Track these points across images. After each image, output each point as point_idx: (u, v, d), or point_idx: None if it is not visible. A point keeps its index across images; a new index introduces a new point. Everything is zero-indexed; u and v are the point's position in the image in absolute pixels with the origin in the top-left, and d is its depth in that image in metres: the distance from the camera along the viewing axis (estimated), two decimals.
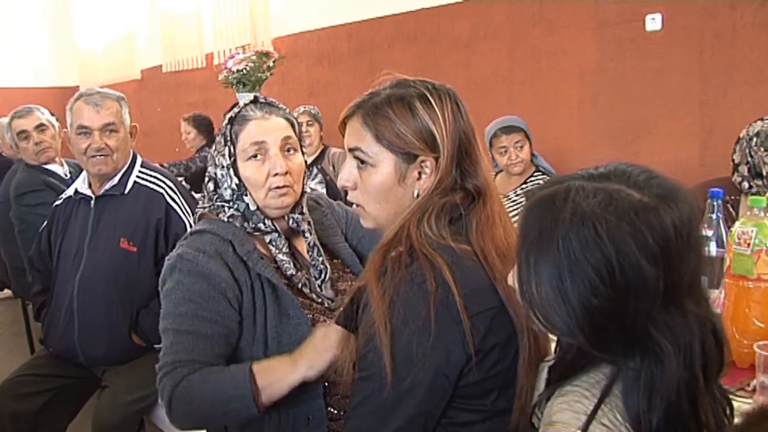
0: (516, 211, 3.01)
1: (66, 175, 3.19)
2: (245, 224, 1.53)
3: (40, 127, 3.13)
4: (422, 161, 1.19)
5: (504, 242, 1.18)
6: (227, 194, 1.53)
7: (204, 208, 1.58)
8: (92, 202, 2.30)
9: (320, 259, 1.61)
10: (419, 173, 1.20)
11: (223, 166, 1.53)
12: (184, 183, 2.53)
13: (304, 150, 1.62)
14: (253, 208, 1.53)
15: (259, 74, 3.00)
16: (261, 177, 1.49)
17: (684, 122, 3.44)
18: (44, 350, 2.42)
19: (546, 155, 3.42)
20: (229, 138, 1.52)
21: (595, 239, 0.88)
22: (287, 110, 1.59)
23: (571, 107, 3.93)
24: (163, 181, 2.35)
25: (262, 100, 1.57)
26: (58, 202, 2.45)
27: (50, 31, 10.45)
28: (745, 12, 3.15)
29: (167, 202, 2.29)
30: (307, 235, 1.61)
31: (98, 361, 2.27)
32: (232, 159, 1.51)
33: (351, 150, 1.23)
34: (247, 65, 2.95)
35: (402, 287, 1.08)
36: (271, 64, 3.04)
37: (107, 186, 2.29)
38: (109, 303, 2.23)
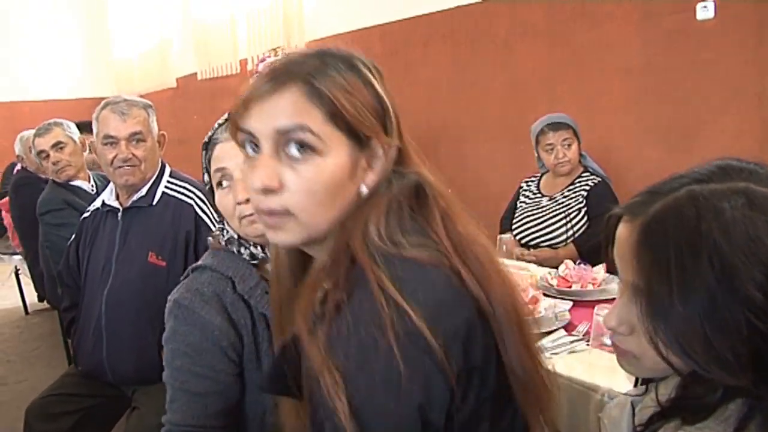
0: (563, 213, 2.85)
1: (92, 190, 3.13)
2: (241, 251, 1.41)
3: (58, 146, 3.07)
4: (374, 147, 0.92)
5: (466, 235, 0.93)
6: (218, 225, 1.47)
7: (214, 234, 1.48)
8: (120, 214, 2.21)
9: None
10: (368, 163, 0.92)
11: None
12: None
13: None
14: (235, 236, 1.41)
15: None
16: (230, 206, 1.36)
17: (740, 117, 3.24)
18: (74, 368, 2.34)
19: (592, 155, 3.26)
20: (204, 167, 1.41)
21: (750, 246, 0.74)
22: None
23: (617, 105, 3.75)
24: (193, 192, 2.25)
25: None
26: (85, 215, 2.37)
27: (86, 43, 10.59)
28: None
29: (197, 213, 2.20)
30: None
31: (127, 380, 2.18)
32: (208, 186, 1.42)
33: (285, 131, 0.87)
34: None
35: (346, 331, 0.81)
36: None
37: (135, 197, 2.21)
38: (137, 319, 2.13)
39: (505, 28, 4.25)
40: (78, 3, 10.46)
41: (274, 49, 3.01)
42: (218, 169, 1.35)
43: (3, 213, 4.60)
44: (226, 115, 1.33)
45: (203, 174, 1.41)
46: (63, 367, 3.84)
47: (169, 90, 8.31)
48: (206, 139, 1.39)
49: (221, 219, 1.42)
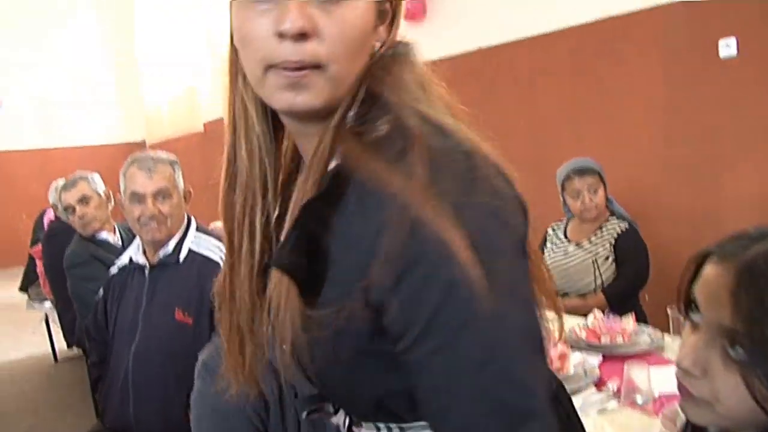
0: (590, 261, 2.80)
1: (118, 243, 3.16)
2: None
3: (84, 201, 3.11)
4: None
5: None
6: None
7: None
8: (147, 271, 2.22)
9: None
10: (381, 18, 0.80)
11: None
12: None
13: None
14: None
15: None
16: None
17: None
18: (99, 425, 2.32)
19: (618, 195, 3.21)
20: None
21: None
22: None
23: (641, 143, 3.71)
24: (219, 247, 2.25)
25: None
26: (113, 271, 2.38)
27: (117, 89, 10.82)
28: None
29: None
30: None
31: None
32: None
33: None
34: None
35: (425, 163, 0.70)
36: None
37: (161, 255, 2.21)
38: (164, 378, 2.11)
39: (527, 67, 4.26)
40: (109, 51, 10.73)
41: None
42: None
43: (36, 260, 4.66)
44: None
45: None
46: (91, 418, 3.82)
47: (198, 134, 8.44)
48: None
49: None
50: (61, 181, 3.40)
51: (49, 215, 4.82)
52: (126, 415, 2.14)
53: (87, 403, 4.05)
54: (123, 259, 2.34)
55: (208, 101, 8.41)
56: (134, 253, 2.28)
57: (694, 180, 3.46)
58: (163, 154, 2.26)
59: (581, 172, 2.83)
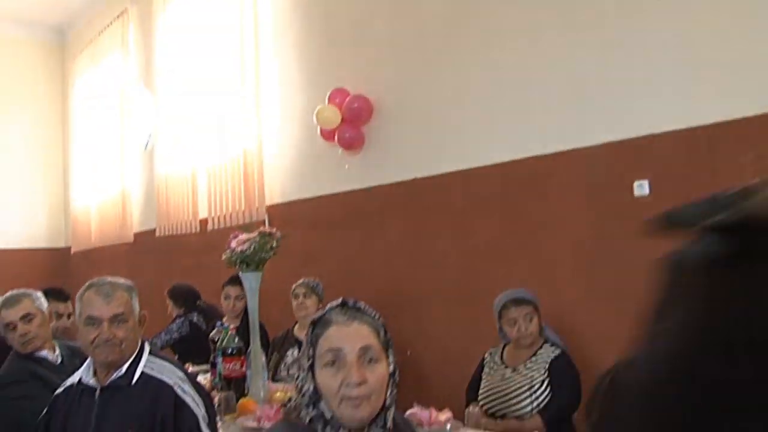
0: (527, 385, 2.94)
1: (57, 361, 3.11)
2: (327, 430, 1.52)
3: (27, 318, 3.06)
4: None
5: None
6: (305, 399, 1.53)
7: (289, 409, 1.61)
8: (96, 393, 2.22)
9: None
10: None
11: (303, 368, 1.55)
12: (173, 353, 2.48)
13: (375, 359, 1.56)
14: (328, 416, 1.50)
15: (263, 254, 3.03)
16: (335, 385, 1.48)
17: None
18: None
19: (548, 323, 3.38)
20: (309, 341, 1.54)
21: None
22: (377, 316, 1.60)
23: (567, 277, 3.93)
24: (173, 372, 2.29)
25: (350, 304, 1.59)
26: (59, 391, 2.36)
27: (45, 190, 10.45)
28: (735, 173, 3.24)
29: (176, 395, 2.22)
30: None
31: None
32: (310, 362, 1.53)
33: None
34: (251, 245, 2.99)
35: None
36: (275, 243, 3.09)
37: (114, 376, 2.23)
38: None
39: (459, 199, 4.49)
40: (37, 149, 10.43)
41: (245, 225, 3.15)
42: (331, 349, 1.50)
43: None
44: (340, 299, 1.59)
45: (307, 347, 1.56)
46: None
47: (126, 244, 8.34)
48: (317, 318, 1.56)
49: (314, 397, 1.52)
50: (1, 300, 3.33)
51: None
52: None
53: None
54: (72, 379, 2.34)
55: (140, 210, 8.37)
56: (84, 374, 2.28)
57: (616, 306, 3.69)
58: (120, 280, 2.34)
59: (517, 302, 3.04)
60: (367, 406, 1.48)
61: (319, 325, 1.56)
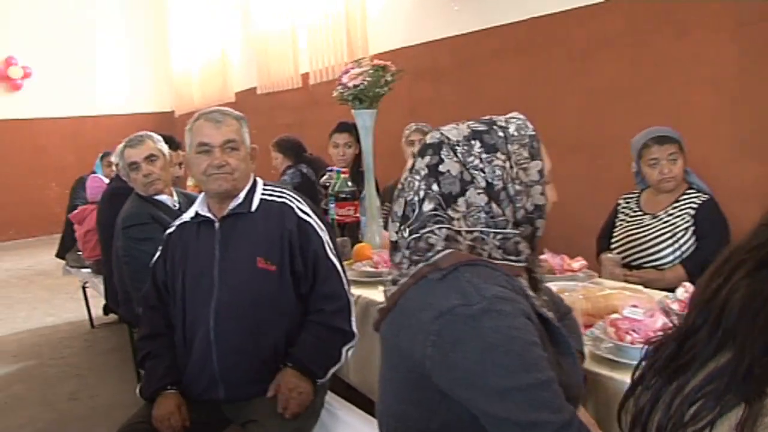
0: (669, 233, 2.68)
1: (175, 206, 3.07)
2: (510, 256, 1.31)
3: (150, 158, 3.01)
4: None
5: None
6: (519, 214, 1.31)
7: (455, 226, 1.29)
8: (216, 224, 2.13)
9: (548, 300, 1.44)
10: None
11: (523, 183, 1.32)
12: None
13: None
14: (540, 234, 1.35)
15: (377, 89, 2.81)
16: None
17: None
18: (145, 408, 2.10)
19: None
20: (537, 154, 1.34)
21: None
22: None
23: (704, 118, 3.57)
24: (290, 195, 2.18)
25: None
26: (170, 230, 2.26)
27: (147, 57, 10.78)
28: None
29: (298, 216, 2.12)
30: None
31: (243, 393, 2.06)
32: (542, 177, 1.34)
33: None
34: (364, 80, 2.77)
35: None
36: (390, 78, 2.85)
37: (232, 205, 2.12)
38: (252, 327, 2.05)
39: (583, 38, 4.11)
40: (138, 18, 10.64)
41: (357, 61, 2.92)
42: None
43: (75, 226, 4.61)
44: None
45: (534, 160, 1.34)
46: (133, 382, 3.81)
47: (228, 105, 8.34)
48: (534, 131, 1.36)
49: (537, 212, 1.34)
50: (124, 141, 3.31)
51: (93, 182, 4.75)
52: (211, 377, 2.05)
53: (128, 367, 4.04)
54: (184, 216, 2.24)
55: (240, 70, 8.30)
56: (200, 208, 2.17)
57: (762, 157, 3.33)
58: (230, 110, 2.19)
59: (661, 140, 2.72)
60: None
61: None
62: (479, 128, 1.32)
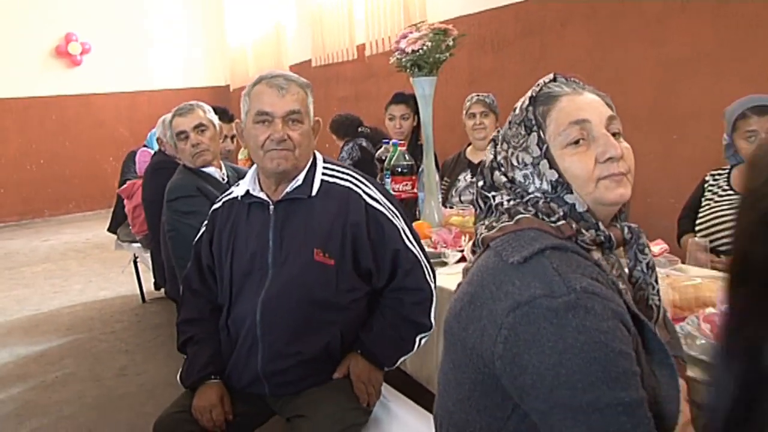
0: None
1: (223, 179, 2.92)
2: (580, 235, 1.11)
3: (200, 128, 2.85)
4: None
5: None
6: (538, 196, 1.13)
7: (518, 211, 1.14)
8: (270, 208, 1.91)
9: (656, 286, 1.21)
10: None
11: (526, 164, 1.15)
12: None
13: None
14: (581, 209, 1.12)
15: (438, 55, 2.58)
16: (589, 166, 1.11)
17: None
18: (186, 396, 1.96)
19: None
20: (534, 122, 1.14)
21: None
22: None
23: None
24: (356, 177, 1.93)
25: (562, 78, 1.20)
26: (216, 206, 2.06)
27: (202, 31, 10.77)
28: None
29: (366, 203, 1.87)
30: (646, 252, 1.21)
31: (287, 390, 1.89)
32: (544, 147, 1.13)
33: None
34: (423, 45, 2.55)
35: None
36: (451, 43, 2.62)
37: (289, 188, 1.89)
38: (302, 324, 1.84)
39: (659, 1, 3.79)
40: None
41: (415, 25, 2.69)
42: (576, 122, 1.12)
43: (125, 200, 4.55)
44: (552, 75, 1.20)
45: (530, 134, 1.15)
46: (181, 359, 3.70)
47: None
48: (532, 94, 1.17)
49: (557, 189, 1.12)
50: (168, 116, 3.18)
51: (142, 156, 4.67)
52: (254, 372, 1.88)
53: (176, 344, 3.96)
54: (235, 192, 2.01)
55: (295, 42, 8.15)
56: (251, 186, 1.94)
57: None
58: (295, 75, 1.95)
59: (761, 110, 2.41)
60: (628, 183, 1.13)
61: (541, 100, 1.15)
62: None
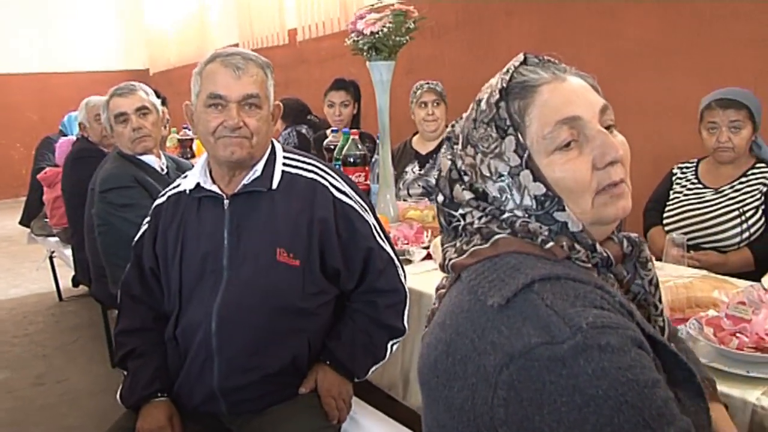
0: (736, 212, 2.35)
1: (162, 170, 2.66)
2: (574, 252, 0.91)
3: (142, 110, 2.59)
4: None
5: None
6: (519, 214, 0.92)
7: (497, 227, 0.92)
8: (225, 202, 1.70)
9: (660, 306, 1.02)
10: None
11: (502, 174, 0.92)
12: None
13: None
14: (575, 228, 0.91)
15: (398, 38, 2.42)
16: (584, 175, 0.90)
17: None
18: (127, 416, 1.72)
19: None
20: (508, 122, 0.92)
21: None
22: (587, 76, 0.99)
23: (745, 82, 3.24)
24: (320, 167, 1.74)
25: (534, 60, 0.97)
26: (160, 201, 1.82)
27: (118, 11, 10.26)
28: None
29: (334, 196, 1.70)
30: (649, 267, 1.01)
31: (251, 408, 1.68)
32: (525, 155, 0.91)
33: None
34: (383, 26, 2.37)
35: None
36: (412, 25, 2.46)
37: (246, 180, 1.68)
38: (262, 333, 1.64)
39: None
40: None
41: (373, 5, 2.51)
42: (565, 120, 0.90)
43: (45, 189, 4.18)
44: (521, 56, 0.97)
45: (504, 137, 0.92)
46: (105, 364, 3.44)
47: None
48: (503, 84, 0.93)
49: (546, 204, 0.91)
50: (94, 98, 2.87)
51: (64, 144, 4.31)
52: (207, 391, 1.66)
53: (99, 347, 3.68)
54: (182, 185, 1.78)
55: (220, 25, 7.84)
56: (201, 178, 1.72)
57: None
58: (254, 54, 1.73)
59: (725, 103, 2.36)
60: (628, 193, 0.93)
61: (516, 93, 0.93)
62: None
